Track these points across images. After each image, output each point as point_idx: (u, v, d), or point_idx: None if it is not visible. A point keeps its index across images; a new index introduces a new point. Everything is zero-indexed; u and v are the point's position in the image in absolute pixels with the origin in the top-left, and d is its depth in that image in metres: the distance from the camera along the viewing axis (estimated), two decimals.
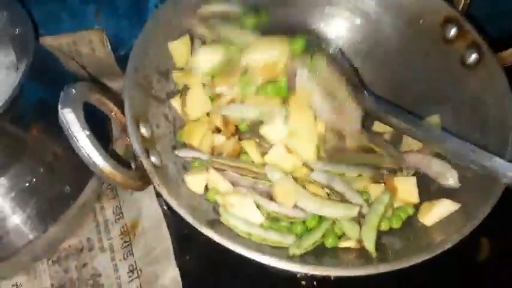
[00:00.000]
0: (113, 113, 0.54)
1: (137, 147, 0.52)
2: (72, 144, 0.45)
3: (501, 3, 0.82)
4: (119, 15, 0.80)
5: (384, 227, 0.57)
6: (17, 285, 0.67)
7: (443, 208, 0.57)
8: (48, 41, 0.76)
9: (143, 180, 0.51)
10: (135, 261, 0.68)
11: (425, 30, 0.68)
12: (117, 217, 0.72)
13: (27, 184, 0.60)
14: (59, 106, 0.44)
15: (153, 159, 0.54)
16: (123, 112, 0.54)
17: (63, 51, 0.77)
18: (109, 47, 0.80)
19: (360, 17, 0.71)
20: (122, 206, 0.72)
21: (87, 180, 0.62)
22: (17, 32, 0.57)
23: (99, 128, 0.57)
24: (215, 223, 0.53)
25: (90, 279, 0.68)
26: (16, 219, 0.60)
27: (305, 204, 0.55)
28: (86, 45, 0.79)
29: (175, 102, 0.63)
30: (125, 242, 0.70)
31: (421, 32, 0.69)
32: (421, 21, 0.68)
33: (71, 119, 0.44)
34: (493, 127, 0.59)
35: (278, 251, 0.53)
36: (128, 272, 0.67)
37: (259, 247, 0.52)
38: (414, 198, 0.59)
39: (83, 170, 0.60)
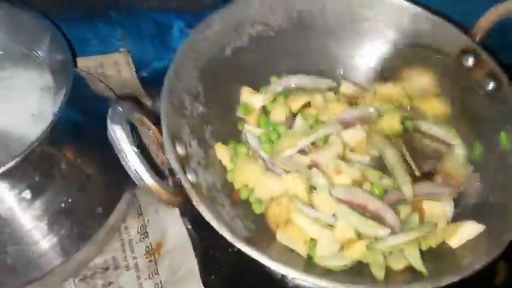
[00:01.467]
0: (151, 132, 0.55)
1: (176, 166, 0.54)
2: (120, 160, 0.46)
3: None
4: (143, 39, 0.82)
5: (424, 246, 0.59)
6: None
7: (468, 230, 0.58)
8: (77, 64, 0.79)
9: (181, 197, 0.52)
10: (160, 281, 0.68)
11: (443, 61, 0.71)
12: (141, 236, 0.73)
13: (61, 206, 0.63)
14: (108, 122, 0.46)
15: (189, 176, 0.55)
16: (160, 131, 0.56)
17: (90, 73, 0.79)
18: (134, 68, 0.83)
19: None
20: (147, 226, 0.73)
21: (117, 201, 0.64)
22: (57, 58, 0.60)
23: None
24: (250, 240, 0.54)
25: None
26: (49, 242, 0.62)
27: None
28: (112, 68, 0.81)
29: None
30: (150, 261, 0.71)
31: (439, 62, 0.72)
32: (440, 51, 0.72)
33: (120, 135, 0.46)
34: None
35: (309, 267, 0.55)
36: None
37: (295, 264, 0.53)
38: (442, 223, 0.61)
39: (113, 191, 0.64)
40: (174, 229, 0.71)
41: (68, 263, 0.62)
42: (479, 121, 0.68)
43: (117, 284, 0.69)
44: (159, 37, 0.83)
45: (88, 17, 0.79)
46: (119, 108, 0.48)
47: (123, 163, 0.46)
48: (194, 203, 0.52)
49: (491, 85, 0.67)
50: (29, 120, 0.63)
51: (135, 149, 0.47)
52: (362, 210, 0.59)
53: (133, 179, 0.47)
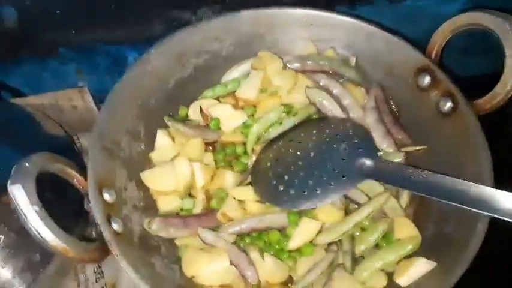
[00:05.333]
0: (75, 180, 0.53)
1: (97, 215, 0.52)
2: (20, 221, 0.44)
3: (472, 51, 0.81)
4: (100, 72, 0.81)
5: None
6: None
7: (418, 267, 0.54)
8: (31, 101, 0.78)
9: (103, 251, 0.50)
10: None
11: (401, 79, 0.67)
12: (97, 276, 0.71)
13: (2, 247, 0.60)
14: (8, 182, 0.44)
15: (114, 226, 0.53)
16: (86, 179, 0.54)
17: (45, 109, 0.78)
18: (91, 102, 0.81)
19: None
20: (102, 265, 0.71)
21: None
22: None
23: None
24: None
25: None
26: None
27: None
28: (67, 102, 0.80)
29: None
30: None
31: (396, 80, 0.68)
32: (395, 70, 0.67)
33: (19, 194, 0.44)
34: (469, 176, 0.56)
35: None
36: None
37: None
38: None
39: None
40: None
41: None
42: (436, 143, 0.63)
43: None
44: (115, 68, 0.81)
45: (40, 55, 0.78)
46: (26, 164, 0.46)
47: (24, 225, 0.44)
48: (115, 256, 0.50)
49: (448, 105, 0.62)
50: None
51: (36, 207, 0.44)
52: None
53: (36, 241, 0.45)
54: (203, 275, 0.55)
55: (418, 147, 0.65)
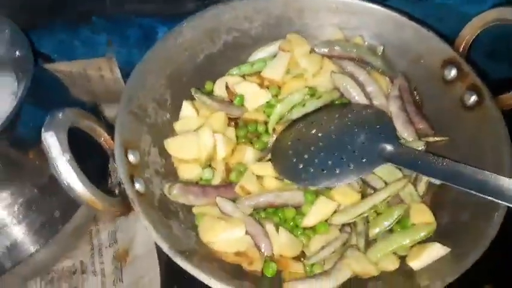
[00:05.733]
0: (102, 139, 0.55)
1: (122, 174, 0.53)
2: (51, 168, 0.46)
3: (500, 46, 0.81)
4: (129, 45, 0.82)
5: None
6: None
7: (432, 252, 0.55)
8: (61, 67, 0.80)
9: (126, 207, 0.52)
10: None
11: (427, 70, 0.68)
12: (111, 242, 0.73)
13: (23, 203, 0.62)
14: (42, 129, 0.46)
15: (137, 186, 0.54)
16: (113, 139, 0.55)
17: (73, 77, 0.80)
18: (118, 73, 0.83)
19: None
20: (117, 231, 0.73)
21: (77, 208, 0.63)
22: (17, 55, 0.60)
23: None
24: (192, 253, 0.52)
25: None
26: (14, 235, 0.62)
27: None
28: (95, 72, 0.82)
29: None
30: (116, 267, 0.70)
31: (422, 71, 0.68)
32: (422, 60, 0.68)
33: (52, 142, 0.45)
34: (489, 168, 0.56)
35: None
36: None
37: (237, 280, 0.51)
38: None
39: None
40: (141, 237, 0.70)
41: (28, 260, 0.61)
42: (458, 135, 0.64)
43: None
44: (144, 41, 0.83)
45: (73, 23, 0.80)
46: (59, 115, 0.48)
47: (54, 173, 0.46)
48: (136, 212, 0.51)
49: (472, 99, 0.63)
50: None
51: (67, 156, 0.46)
52: None
53: (66, 190, 0.46)
54: (219, 242, 0.56)
55: (439, 138, 0.65)
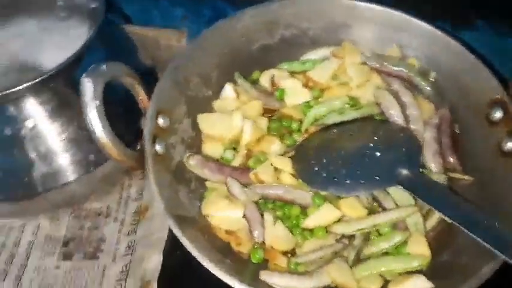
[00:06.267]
0: (140, 98, 0.60)
1: (146, 131, 0.58)
2: (83, 113, 0.51)
3: None
4: (201, 22, 0.87)
5: None
6: (38, 226, 0.76)
7: (416, 284, 0.54)
8: (135, 30, 0.87)
9: (140, 162, 0.56)
10: (134, 240, 0.73)
11: (473, 105, 0.65)
12: (137, 196, 0.79)
13: (67, 138, 0.68)
14: (83, 75, 0.52)
15: (157, 146, 0.59)
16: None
17: (145, 41, 0.86)
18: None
19: None
20: (144, 189, 0.79)
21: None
22: (92, 6, 0.67)
23: None
24: (188, 221, 0.56)
25: (95, 241, 0.75)
26: (53, 163, 0.68)
27: None
28: (166, 41, 0.88)
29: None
30: (134, 220, 0.76)
31: (468, 105, 0.66)
32: (471, 94, 0.66)
33: (87, 87, 0.51)
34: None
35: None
36: (126, 248, 0.73)
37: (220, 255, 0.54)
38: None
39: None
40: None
41: (61, 190, 0.68)
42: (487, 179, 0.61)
43: (100, 231, 0.76)
44: (215, 22, 0.87)
45: None
46: (103, 66, 0.53)
47: (84, 116, 0.51)
48: (146, 169, 0.56)
49: (510, 146, 0.60)
50: (58, 53, 0.67)
51: (97, 102, 0.51)
52: None
53: (89, 132, 0.52)
54: (216, 217, 0.59)
55: (466, 177, 0.63)
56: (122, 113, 0.66)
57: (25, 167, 0.66)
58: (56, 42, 0.67)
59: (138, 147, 0.60)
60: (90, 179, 0.70)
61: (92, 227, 0.76)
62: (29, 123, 0.67)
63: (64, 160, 0.67)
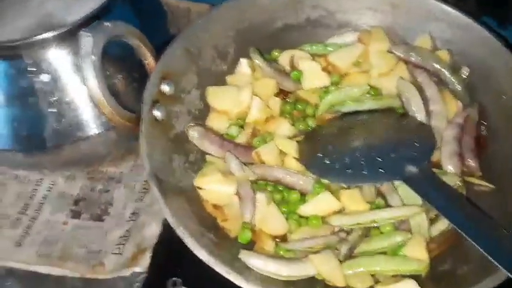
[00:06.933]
0: (146, 62, 0.59)
1: (145, 94, 0.57)
2: (80, 65, 0.51)
3: None
4: None
5: None
6: (54, 182, 0.79)
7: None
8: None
9: (135, 123, 0.56)
10: (139, 208, 0.74)
11: (505, 108, 0.59)
12: None
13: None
14: (84, 29, 0.52)
15: (157, 112, 0.58)
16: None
17: (177, 11, 0.86)
18: None
19: None
20: None
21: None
22: None
23: None
24: (176, 189, 0.55)
25: (104, 204, 0.76)
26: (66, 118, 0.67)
27: None
28: (197, 13, 0.86)
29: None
30: (144, 188, 0.76)
31: (500, 108, 0.60)
32: (504, 96, 0.60)
33: (85, 42, 0.51)
34: None
35: None
36: (131, 214, 0.74)
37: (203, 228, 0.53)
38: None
39: None
40: None
41: (72, 146, 0.67)
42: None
43: (110, 194, 0.76)
44: None
45: None
46: (108, 24, 0.53)
47: (81, 69, 0.51)
48: (140, 131, 0.55)
49: None
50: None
51: (94, 57, 0.51)
52: None
53: (85, 86, 0.52)
54: (206, 189, 0.58)
55: (484, 183, 0.58)
56: (130, 80, 0.65)
57: (43, 119, 0.67)
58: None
59: None
60: (106, 137, 0.70)
61: (103, 189, 0.77)
62: (52, 75, 0.67)
63: (83, 115, 0.67)
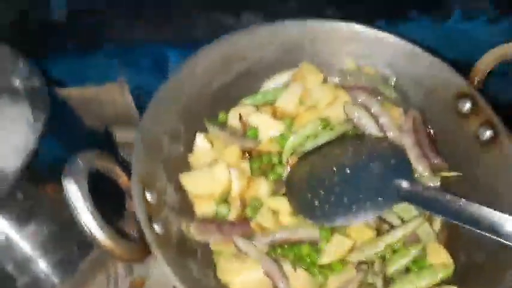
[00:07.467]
0: (120, 180, 0.55)
1: (141, 216, 0.53)
2: (73, 215, 0.46)
3: None
4: (141, 70, 0.82)
5: None
6: None
7: None
8: (72, 93, 0.79)
9: (144, 249, 0.52)
10: None
11: (441, 103, 0.67)
12: (127, 272, 0.73)
13: (44, 240, 0.62)
14: (62, 177, 0.46)
15: (156, 227, 0.54)
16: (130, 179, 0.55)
17: (85, 102, 0.79)
18: (130, 98, 0.83)
19: None
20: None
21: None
22: (31, 86, 0.60)
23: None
24: None
25: None
26: (33, 271, 0.62)
27: None
28: (107, 97, 0.81)
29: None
30: None
31: (436, 104, 0.68)
32: (436, 92, 0.68)
33: (73, 190, 0.45)
34: (505, 207, 0.56)
35: None
36: None
37: None
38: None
39: None
40: (158, 272, 0.71)
41: None
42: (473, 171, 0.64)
43: None
44: (156, 67, 0.83)
45: (83, 48, 0.79)
46: (78, 160, 0.48)
47: (76, 220, 0.46)
48: (158, 259, 0.51)
49: (487, 134, 0.63)
50: (12, 154, 0.63)
51: (88, 204, 0.46)
52: None
53: (87, 237, 0.47)
54: (238, 284, 0.57)
55: (453, 173, 0.65)
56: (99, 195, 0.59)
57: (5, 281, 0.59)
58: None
59: (134, 232, 0.54)
60: (78, 274, 0.64)
61: None
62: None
63: (45, 264, 0.61)
